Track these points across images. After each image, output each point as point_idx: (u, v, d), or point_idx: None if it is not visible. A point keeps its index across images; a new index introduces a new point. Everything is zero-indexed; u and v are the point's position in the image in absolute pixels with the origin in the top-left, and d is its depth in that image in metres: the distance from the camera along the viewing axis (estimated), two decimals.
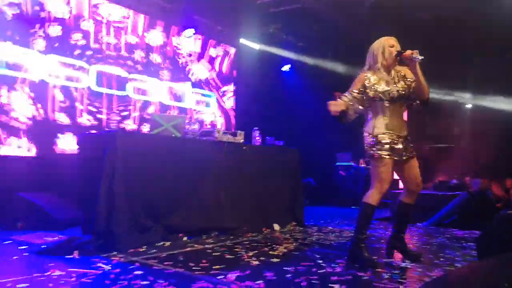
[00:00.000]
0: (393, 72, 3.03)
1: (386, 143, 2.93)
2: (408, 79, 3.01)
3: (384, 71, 2.99)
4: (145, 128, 5.77)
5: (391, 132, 2.96)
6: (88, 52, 5.47)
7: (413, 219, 5.09)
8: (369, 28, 6.23)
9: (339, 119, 2.95)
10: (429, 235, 4.51)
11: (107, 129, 5.46)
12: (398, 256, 3.18)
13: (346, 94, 2.97)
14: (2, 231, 3.94)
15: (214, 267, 2.72)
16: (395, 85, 2.97)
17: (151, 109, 6.17)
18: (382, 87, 2.95)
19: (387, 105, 2.96)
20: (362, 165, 7.74)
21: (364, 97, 2.97)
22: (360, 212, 3.01)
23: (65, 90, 5.20)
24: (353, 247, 2.98)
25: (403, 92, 2.98)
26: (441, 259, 3.21)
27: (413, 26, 6.56)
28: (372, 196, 2.97)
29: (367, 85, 2.96)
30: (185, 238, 3.63)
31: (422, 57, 2.85)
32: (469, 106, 10.07)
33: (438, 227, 5.05)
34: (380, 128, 2.96)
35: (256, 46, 7.80)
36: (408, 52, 2.89)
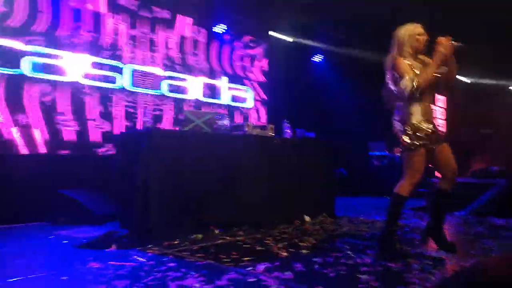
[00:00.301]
0: (418, 59, 2.96)
1: (423, 131, 2.85)
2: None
3: (412, 58, 2.93)
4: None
5: (425, 119, 2.89)
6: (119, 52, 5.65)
7: (451, 208, 4.97)
8: (404, 15, 6.08)
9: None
10: (467, 224, 4.39)
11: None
12: (432, 246, 3.12)
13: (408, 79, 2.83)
14: (46, 226, 4.19)
15: (244, 258, 2.79)
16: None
17: (186, 107, 6.30)
18: (417, 72, 2.88)
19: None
20: (397, 154, 7.57)
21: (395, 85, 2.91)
22: (391, 203, 2.96)
23: (100, 90, 5.40)
24: (384, 238, 2.95)
25: (436, 79, 2.91)
26: (477, 249, 3.12)
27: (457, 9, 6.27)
28: (404, 187, 2.91)
29: None
30: (216, 231, 3.72)
31: (460, 44, 2.84)
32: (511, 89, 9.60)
33: (477, 216, 4.89)
34: (416, 116, 2.87)
35: (287, 38, 7.77)
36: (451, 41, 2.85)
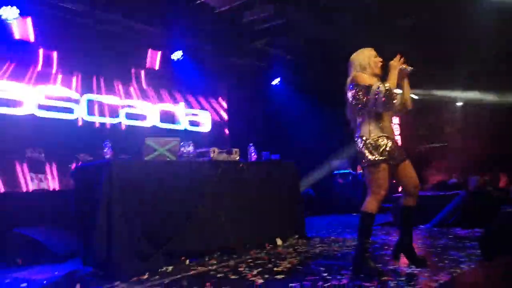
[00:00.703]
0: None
1: (383, 147, 2.92)
2: None
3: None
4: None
5: (386, 135, 2.96)
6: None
7: (415, 221, 5.09)
8: (355, 38, 6.34)
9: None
10: (433, 236, 4.50)
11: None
12: (403, 261, 3.15)
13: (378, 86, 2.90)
14: (1, 268, 3.88)
15: None
16: None
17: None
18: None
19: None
20: (360, 171, 7.75)
21: (359, 102, 2.98)
22: (360, 222, 2.98)
23: (57, 122, 5.19)
24: (357, 257, 2.95)
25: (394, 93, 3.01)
26: (446, 262, 3.19)
27: (396, 31, 6.67)
28: (371, 204, 2.95)
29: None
30: (187, 261, 3.59)
31: (412, 68, 3.00)
32: (459, 103, 10.17)
33: (441, 228, 5.04)
34: (376, 132, 2.95)
35: (245, 62, 7.85)
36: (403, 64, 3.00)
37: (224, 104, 7.63)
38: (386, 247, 3.93)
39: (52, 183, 5.08)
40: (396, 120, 10.07)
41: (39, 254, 3.93)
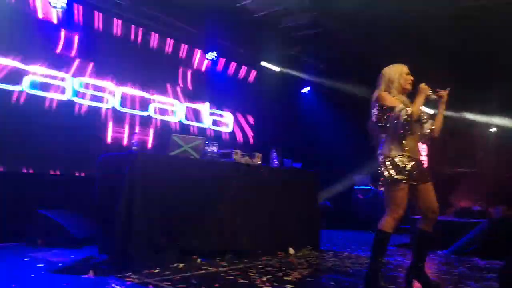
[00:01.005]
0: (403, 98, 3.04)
1: (403, 166, 2.88)
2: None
3: (398, 96, 3.01)
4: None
5: (408, 154, 2.92)
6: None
7: (433, 247, 4.97)
8: (389, 53, 6.27)
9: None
10: (449, 264, 4.38)
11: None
12: (416, 286, 3.09)
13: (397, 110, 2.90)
14: (22, 247, 4.03)
15: None
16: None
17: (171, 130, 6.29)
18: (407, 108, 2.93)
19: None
20: (381, 189, 7.62)
21: (381, 121, 2.96)
22: (375, 240, 2.94)
23: (91, 109, 5.37)
24: (369, 276, 2.91)
25: (419, 117, 2.97)
26: None
27: (433, 50, 6.56)
28: (387, 223, 2.90)
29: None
30: (199, 260, 3.63)
31: (436, 97, 2.99)
32: (493, 130, 9.85)
33: (459, 255, 4.89)
34: (397, 150, 2.91)
35: (276, 68, 7.89)
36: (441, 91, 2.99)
37: (253, 108, 7.66)
38: (400, 269, 3.85)
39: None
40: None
41: (59, 237, 4.06)
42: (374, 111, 3.00)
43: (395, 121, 2.87)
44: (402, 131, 2.88)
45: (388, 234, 2.91)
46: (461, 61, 6.76)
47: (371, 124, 3.08)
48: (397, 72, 3.04)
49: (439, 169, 9.32)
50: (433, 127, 3.06)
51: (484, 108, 8.77)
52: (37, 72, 4.87)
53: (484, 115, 9.05)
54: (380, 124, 2.96)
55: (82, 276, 2.98)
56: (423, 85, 2.98)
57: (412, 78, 3.05)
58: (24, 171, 4.68)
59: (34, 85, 4.83)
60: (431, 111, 3.30)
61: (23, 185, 4.50)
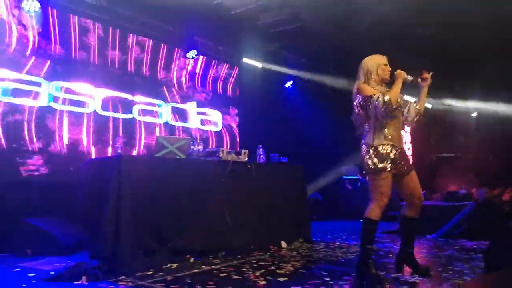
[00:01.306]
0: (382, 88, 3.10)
1: (387, 155, 2.93)
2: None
3: (378, 86, 3.06)
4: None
5: (391, 143, 2.97)
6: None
7: (421, 231, 5.07)
8: (369, 44, 6.34)
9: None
10: (438, 247, 4.48)
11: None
12: (407, 270, 3.16)
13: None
14: (12, 258, 3.97)
15: None
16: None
17: (156, 131, 6.24)
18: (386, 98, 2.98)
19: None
20: (366, 178, 7.71)
21: (363, 110, 3.01)
22: (363, 229, 3.01)
23: (72, 114, 5.29)
24: (360, 264, 2.97)
25: (400, 106, 3.03)
26: (450, 272, 3.19)
27: (412, 41, 6.66)
28: (373, 211, 2.97)
29: None
30: (191, 259, 3.64)
31: (412, 78, 3.06)
32: (474, 114, 10.06)
33: (447, 238, 5.01)
34: (380, 139, 2.96)
35: (258, 64, 7.90)
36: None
37: (236, 105, 7.66)
38: (391, 255, 3.92)
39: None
40: (408, 128, 10.03)
41: (49, 245, 4.00)
42: (356, 103, 3.06)
43: (375, 109, 2.92)
44: (382, 119, 2.94)
45: (375, 222, 2.97)
46: (440, 48, 6.88)
47: (355, 115, 3.14)
48: (375, 64, 3.09)
49: (422, 155, 9.49)
50: (417, 110, 3.13)
51: (464, 94, 8.95)
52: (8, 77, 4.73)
53: (464, 100, 9.24)
54: (362, 114, 3.02)
55: (75, 282, 2.96)
56: (398, 71, 3.05)
57: (390, 69, 3.11)
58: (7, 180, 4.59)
59: (5, 92, 4.70)
60: (412, 99, 3.37)
61: (5, 194, 4.42)
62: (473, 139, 9.32)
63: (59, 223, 4.29)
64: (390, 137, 2.98)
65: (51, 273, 3.25)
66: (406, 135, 9.70)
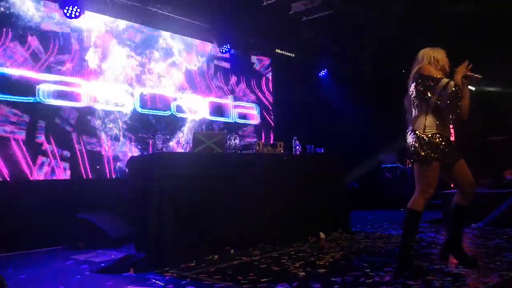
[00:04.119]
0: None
1: (437, 145, 2.83)
2: None
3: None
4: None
5: (441, 133, 2.87)
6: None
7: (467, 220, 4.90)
8: (405, 27, 6.13)
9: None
10: (485, 236, 4.32)
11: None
12: (452, 261, 3.07)
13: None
14: (65, 251, 4.24)
15: (261, 280, 2.78)
16: None
17: (195, 126, 6.38)
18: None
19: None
20: (409, 166, 7.53)
21: (420, 94, 2.90)
22: (406, 219, 2.92)
23: (111, 113, 5.51)
24: (401, 255, 2.92)
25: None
26: (498, 263, 3.07)
27: (451, 21, 6.35)
28: (418, 202, 2.87)
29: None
30: (232, 251, 3.73)
31: (480, 76, 2.93)
32: None
33: (494, 227, 4.82)
34: (431, 128, 2.86)
35: (291, 54, 7.84)
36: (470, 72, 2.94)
37: (271, 97, 7.68)
38: (434, 246, 3.84)
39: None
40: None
41: (99, 239, 4.24)
42: (414, 85, 2.92)
43: (440, 93, 2.80)
44: (446, 105, 2.80)
45: (419, 213, 2.87)
46: (479, 26, 6.51)
47: (407, 99, 3.04)
48: (441, 53, 2.99)
49: (466, 140, 9.08)
50: (463, 108, 3.00)
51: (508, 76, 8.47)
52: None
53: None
54: (420, 97, 2.88)
55: (124, 274, 3.12)
56: (460, 67, 2.92)
57: (449, 64, 3.00)
58: (61, 177, 4.88)
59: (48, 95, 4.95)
60: None
61: (60, 192, 4.70)
62: None
63: (108, 218, 4.52)
64: (441, 127, 2.88)
65: (101, 265, 3.45)
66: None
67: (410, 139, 2.93)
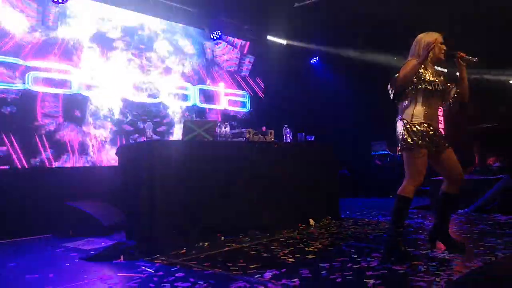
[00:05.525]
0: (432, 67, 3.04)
1: (424, 133, 2.89)
2: (444, 76, 3.05)
3: (429, 64, 3.00)
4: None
5: (428, 122, 2.93)
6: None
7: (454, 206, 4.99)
8: (399, 12, 6.09)
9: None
10: (470, 222, 4.41)
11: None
12: (439, 246, 3.13)
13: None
14: (55, 238, 4.24)
15: (251, 266, 2.82)
16: (437, 78, 2.98)
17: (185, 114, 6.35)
18: (428, 76, 2.94)
19: (427, 94, 2.94)
20: (399, 153, 7.60)
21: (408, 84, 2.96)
22: (395, 205, 2.96)
23: (102, 100, 5.46)
24: (389, 241, 2.97)
25: (444, 87, 2.99)
26: (481, 248, 3.14)
27: (444, 6, 6.34)
28: (407, 189, 2.92)
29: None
30: (222, 238, 3.76)
31: (476, 59, 2.94)
32: None
33: (480, 213, 4.91)
34: (418, 117, 2.92)
35: (283, 41, 7.80)
36: (463, 54, 2.96)
37: (261, 84, 7.66)
38: (421, 231, 3.91)
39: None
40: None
41: (88, 226, 4.24)
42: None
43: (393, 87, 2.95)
44: (403, 76, 2.90)
45: (408, 200, 2.93)
46: (473, 12, 6.51)
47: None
48: (433, 39, 2.96)
49: (458, 128, 9.17)
50: (460, 94, 3.04)
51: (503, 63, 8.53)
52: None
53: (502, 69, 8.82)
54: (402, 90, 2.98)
55: (114, 261, 3.14)
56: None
57: (445, 48, 3.01)
58: (48, 166, 4.85)
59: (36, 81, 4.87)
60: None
61: (49, 180, 4.68)
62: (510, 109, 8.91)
63: (98, 206, 4.52)
64: (429, 116, 2.94)
65: (91, 252, 3.46)
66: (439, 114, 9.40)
67: (399, 127, 3.00)
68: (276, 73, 7.65)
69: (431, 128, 2.92)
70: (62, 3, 4.89)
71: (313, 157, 4.81)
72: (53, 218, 4.39)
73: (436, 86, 2.93)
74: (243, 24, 7.23)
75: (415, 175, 2.91)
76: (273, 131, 4.53)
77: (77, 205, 4.38)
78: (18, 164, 4.60)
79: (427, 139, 2.88)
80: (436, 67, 3.11)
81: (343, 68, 8.16)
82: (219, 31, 6.66)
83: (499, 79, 9.13)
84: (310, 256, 3.08)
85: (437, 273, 2.52)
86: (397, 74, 2.93)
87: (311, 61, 8.42)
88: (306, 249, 3.32)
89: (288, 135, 4.77)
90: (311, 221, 4.46)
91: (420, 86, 2.93)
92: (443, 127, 9.42)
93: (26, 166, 4.65)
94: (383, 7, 6.27)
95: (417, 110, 2.93)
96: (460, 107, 3.11)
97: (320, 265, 2.79)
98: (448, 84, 3.05)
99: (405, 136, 2.91)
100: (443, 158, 2.99)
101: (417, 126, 2.90)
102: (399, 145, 3.01)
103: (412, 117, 2.93)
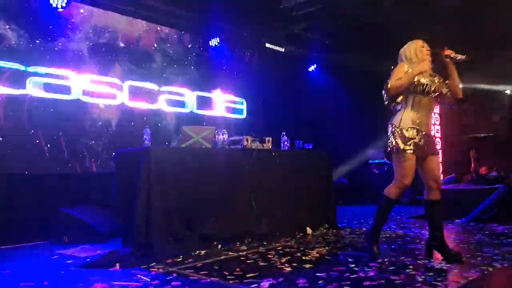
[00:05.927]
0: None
1: (411, 138, 2.98)
2: (438, 77, 3.11)
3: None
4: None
5: (417, 128, 3.00)
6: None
7: (450, 215, 5.01)
8: (395, 20, 6.13)
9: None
10: (468, 232, 4.41)
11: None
12: (437, 257, 3.14)
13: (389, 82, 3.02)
14: (50, 245, 4.20)
15: (247, 275, 2.80)
16: (429, 80, 3.04)
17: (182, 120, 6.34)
18: (421, 79, 3.00)
19: (418, 98, 3.01)
20: (388, 159, 7.60)
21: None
22: (380, 205, 3.17)
23: (99, 107, 5.44)
24: (367, 236, 3.22)
25: (436, 88, 3.05)
26: (479, 259, 3.14)
27: (441, 14, 6.39)
28: (391, 190, 3.11)
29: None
30: (219, 246, 3.74)
31: (465, 56, 3.00)
32: (508, 91, 9.63)
33: (477, 223, 4.91)
34: (407, 122, 3.01)
35: (281, 49, 7.82)
36: (449, 51, 3.05)
37: (259, 91, 7.65)
38: (418, 241, 3.91)
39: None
40: (437, 109, 9.75)
41: (84, 233, 4.20)
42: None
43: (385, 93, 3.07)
44: (386, 103, 3.08)
45: (391, 200, 3.10)
46: (468, 21, 6.56)
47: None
48: (411, 49, 3.13)
49: (453, 136, 9.20)
50: (453, 94, 3.09)
51: (496, 72, 8.58)
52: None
53: (497, 79, 8.86)
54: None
55: (109, 269, 3.11)
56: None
57: (428, 48, 3.11)
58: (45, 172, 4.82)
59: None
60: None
61: (44, 186, 4.65)
62: (507, 119, 8.95)
63: (94, 212, 4.48)
64: (417, 121, 3.03)
65: (87, 260, 3.43)
66: (434, 116, 9.44)
67: (388, 132, 3.12)
68: (274, 80, 7.66)
69: (420, 132, 3.00)
70: (62, 9, 4.88)
71: (311, 165, 4.81)
72: (48, 224, 4.35)
73: (427, 88, 3.00)
74: (241, 31, 7.25)
75: (400, 178, 3.04)
76: (271, 139, 4.53)
77: (73, 212, 4.35)
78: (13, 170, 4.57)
79: (413, 143, 2.96)
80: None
81: (341, 76, 8.19)
82: (217, 38, 6.67)
83: (493, 88, 9.18)
84: (307, 265, 3.07)
85: (434, 284, 2.52)
86: (389, 80, 2.99)
87: (310, 69, 8.43)
88: (303, 258, 3.31)
89: (286, 142, 4.77)
90: (308, 230, 4.45)
91: (411, 90, 3.02)
92: (439, 130, 9.45)
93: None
94: (382, 15, 6.33)
95: (407, 115, 3.03)
96: (455, 102, 3.17)
97: (317, 274, 2.78)
98: (442, 84, 3.09)
99: (391, 139, 3.03)
100: (427, 162, 3.08)
101: (404, 131, 2.98)
102: (388, 148, 3.09)
103: (400, 121, 3.03)
